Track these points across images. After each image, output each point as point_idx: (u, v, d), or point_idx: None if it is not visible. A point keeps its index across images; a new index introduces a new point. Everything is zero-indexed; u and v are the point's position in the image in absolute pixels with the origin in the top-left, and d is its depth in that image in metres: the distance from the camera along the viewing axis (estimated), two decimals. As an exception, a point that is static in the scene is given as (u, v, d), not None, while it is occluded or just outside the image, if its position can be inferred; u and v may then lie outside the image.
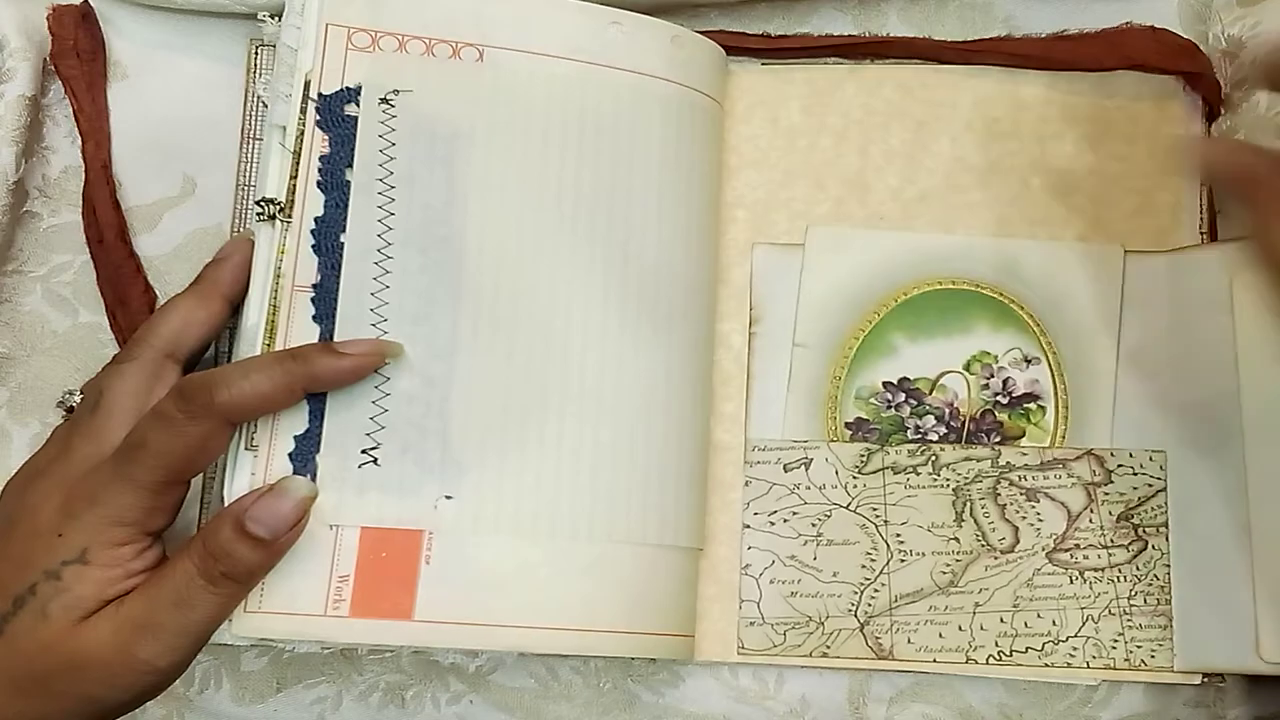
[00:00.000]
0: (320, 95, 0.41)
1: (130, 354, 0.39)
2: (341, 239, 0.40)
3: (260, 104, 0.46)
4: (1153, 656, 0.44)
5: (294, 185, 0.41)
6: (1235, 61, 0.46)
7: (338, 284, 0.40)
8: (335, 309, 0.40)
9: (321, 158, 0.41)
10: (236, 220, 0.46)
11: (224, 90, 0.47)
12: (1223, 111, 0.47)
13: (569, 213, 0.42)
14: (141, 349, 0.39)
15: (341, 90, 0.41)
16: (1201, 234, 0.47)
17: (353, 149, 0.41)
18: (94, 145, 0.46)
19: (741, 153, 0.47)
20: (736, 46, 0.47)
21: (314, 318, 0.40)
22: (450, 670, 0.45)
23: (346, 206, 0.41)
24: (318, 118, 0.41)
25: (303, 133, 0.41)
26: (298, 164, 0.41)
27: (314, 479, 0.39)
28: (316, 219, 0.41)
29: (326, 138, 0.41)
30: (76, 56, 0.46)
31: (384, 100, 0.41)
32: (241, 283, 0.41)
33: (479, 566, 0.40)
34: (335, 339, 0.40)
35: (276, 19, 0.43)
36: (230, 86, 0.47)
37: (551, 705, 0.46)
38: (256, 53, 0.47)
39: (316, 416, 0.40)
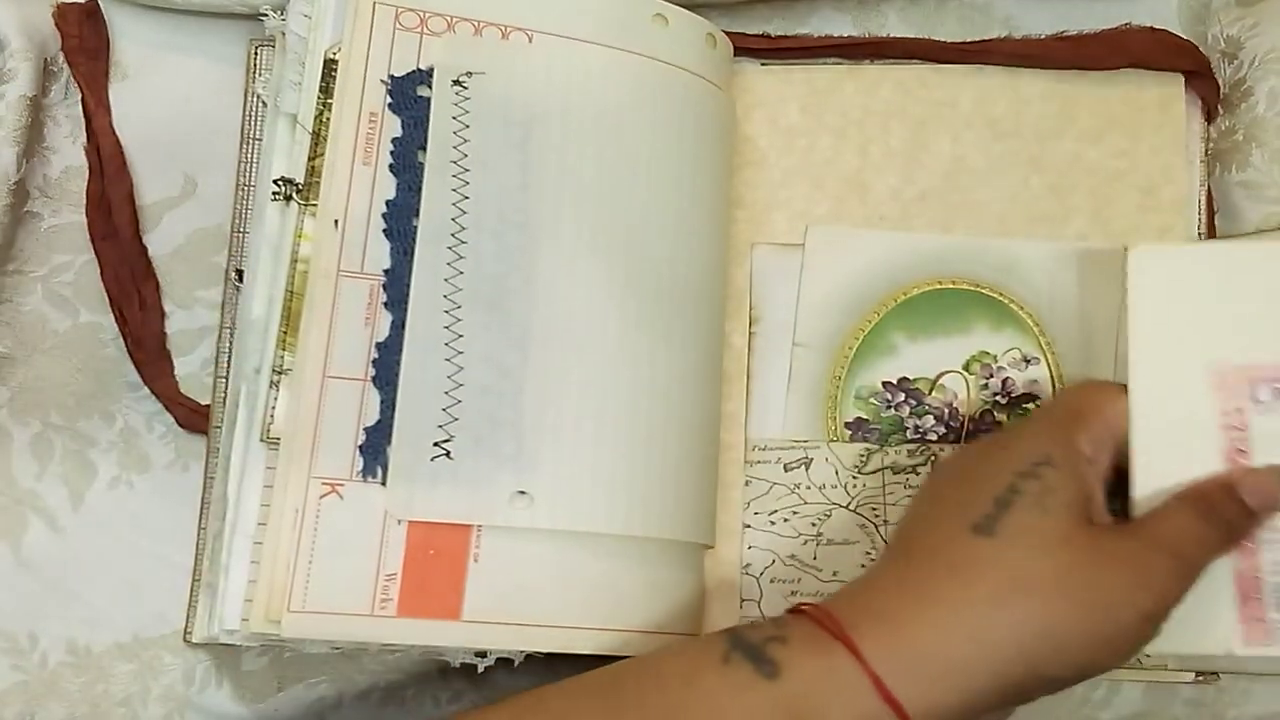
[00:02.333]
0: (391, 77, 0.40)
1: None
2: (414, 223, 0.40)
3: (261, 104, 0.46)
4: (1148, 654, 0.44)
5: (315, 167, 0.40)
6: (1234, 62, 0.47)
7: (410, 269, 0.39)
8: (407, 295, 0.39)
9: (394, 140, 0.40)
10: (237, 220, 0.46)
11: (224, 90, 0.47)
12: (1221, 111, 0.47)
13: (612, 201, 0.42)
14: None
15: (414, 72, 0.40)
16: (1201, 231, 0.47)
17: (426, 131, 0.40)
18: (109, 141, 0.46)
19: (741, 153, 0.47)
20: (736, 47, 0.47)
21: (385, 304, 0.39)
22: (451, 670, 0.45)
23: (419, 190, 0.40)
24: (389, 100, 0.40)
25: (323, 112, 0.40)
26: (318, 145, 0.40)
27: (384, 472, 0.38)
28: (388, 202, 0.40)
29: (399, 120, 0.40)
30: (82, 53, 0.46)
31: (457, 82, 0.41)
32: None
33: (526, 565, 0.39)
34: (406, 327, 0.39)
35: (280, 13, 0.43)
36: (231, 87, 0.47)
37: (552, 705, 0.45)
38: (256, 53, 0.47)
39: (388, 407, 0.39)
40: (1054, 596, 0.33)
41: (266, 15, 0.43)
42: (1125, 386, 0.38)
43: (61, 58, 0.47)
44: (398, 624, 0.38)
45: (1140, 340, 0.38)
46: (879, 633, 0.33)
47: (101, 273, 0.46)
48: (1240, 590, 0.37)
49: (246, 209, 0.46)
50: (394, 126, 0.40)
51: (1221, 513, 0.36)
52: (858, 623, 0.33)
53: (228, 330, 0.45)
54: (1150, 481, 0.37)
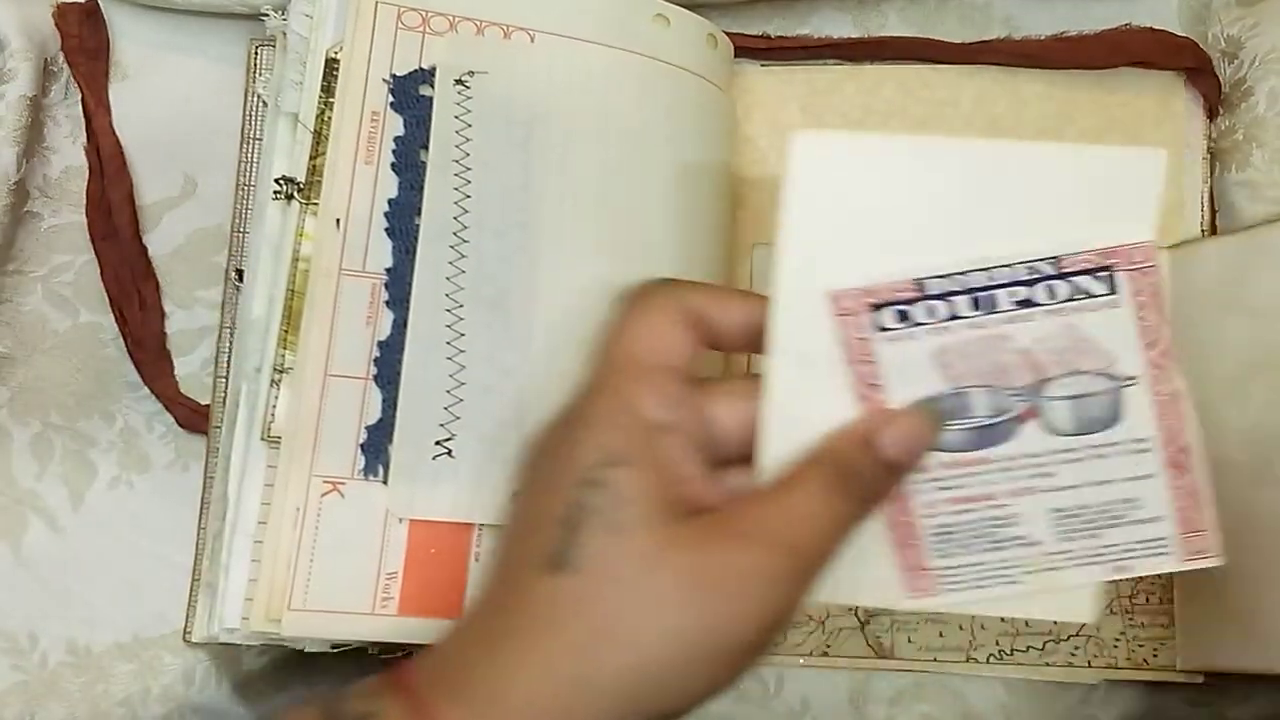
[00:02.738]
0: (394, 76, 0.40)
1: None
2: (416, 221, 0.40)
3: (261, 104, 0.46)
4: (1155, 655, 0.44)
5: (315, 166, 0.40)
6: (1234, 61, 0.47)
7: (412, 268, 0.39)
8: (409, 294, 0.39)
9: (396, 139, 0.40)
10: (237, 220, 0.46)
11: (224, 91, 0.47)
12: (1222, 111, 0.47)
13: (613, 201, 0.42)
14: None
15: (416, 71, 0.40)
16: (1203, 229, 0.47)
17: (428, 130, 0.40)
18: (109, 141, 0.46)
19: (741, 153, 0.47)
20: (736, 47, 0.47)
21: (387, 303, 0.39)
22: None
23: (421, 189, 0.40)
24: (391, 99, 0.40)
25: (324, 111, 0.40)
26: (319, 144, 0.40)
27: (385, 471, 0.38)
28: (390, 201, 0.40)
29: (400, 119, 0.40)
30: (82, 53, 0.46)
31: (459, 82, 0.40)
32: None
33: None
34: (408, 325, 0.39)
35: (280, 13, 0.43)
36: (231, 87, 0.47)
37: (552, 705, 0.45)
38: (257, 53, 0.47)
39: (389, 406, 0.39)
40: (646, 636, 0.29)
41: (267, 15, 0.43)
42: (701, 286, 0.33)
43: (61, 58, 0.47)
44: (399, 623, 0.38)
45: (790, 250, 0.32)
46: (462, 701, 0.29)
47: (101, 273, 0.46)
48: (896, 537, 0.33)
49: (246, 209, 0.46)
50: (396, 125, 0.40)
51: (860, 475, 0.31)
52: (442, 693, 0.29)
53: (228, 330, 0.45)
54: (780, 433, 0.32)
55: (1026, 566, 0.34)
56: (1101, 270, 0.32)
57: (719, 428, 0.32)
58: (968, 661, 0.45)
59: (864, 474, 0.31)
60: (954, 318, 0.32)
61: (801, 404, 0.32)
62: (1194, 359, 0.43)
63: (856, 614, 0.45)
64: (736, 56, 0.47)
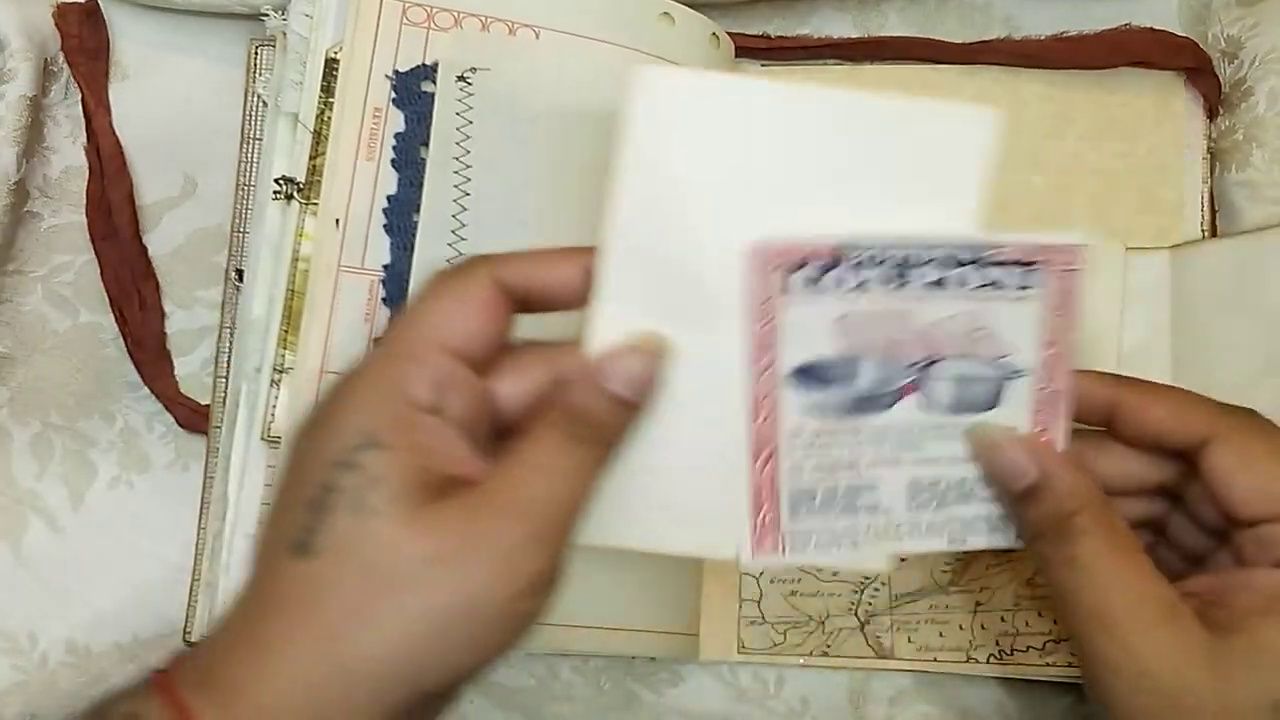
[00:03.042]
0: (396, 72, 0.40)
1: None
2: (415, 219, 0.40)
3: (261, 103, 0.46)
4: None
5: (315, 166, 0.40)
6: (1234, 61, 0.47)
7: (410, 265, 0.39)
8: (406, 291, 0.39)
9: (397, 135, 0.40)
10: (237, 220, 0.46)
11: (224, 91, 0.47)
12: (1222, 111, 0.47)
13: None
14: None
15: (419, 67, 0.40)
16: (1203, 230, 0.47)
17: (429, 127, 0.40)
18: (109, 141, 0.46)
19: (741, 152, 0.47)
20: (737, 47, 0.47)
21: (384, 300, 0.39)
22: (450, 670, 0.45)
23: (421, 185, 0.40)
24: (394, 95, 0.40)
25: (324, 111, 0.40)
26: (319, 144, 0.40)
27: None
28: (389, 197, 0.40)
29: (402, 115, 0.40)
30: (82, 53, 0.46)
31: (461, 78, 0.40)
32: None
33: None
34: None
35: (281, 13, 0.43)
36: (231, 87, 0.47)
37: (552, 705, 0.45)
38: (257, 53, 0.47)
39: None
40: (391, 617, 0.28)
41: (267, 15, 0.43)
42: (517, 255, 0.32)
43: (61, 58, 0.47)
44: None
45: (628, 194, 0.31)
46: (219, 700, 0.28)
47: (101, 273, 0.46)
48: (753, 494, 0.33)
49: (246, 209, 0.46)
50: (397, 122, 0.40)
51: (592, 418, 0.31)
52: (196, 688, 0.28)
53: (228, 330, 0.45)
54: None
55: (870, 534, 0.34)
56: (1027, 265, 0.32)
57: (503, 401, 0.32)
58: (967, 662, 0.45)
59: (597, 416, 0.31)
60: (866, 288, 0.32)
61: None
62: (1199, 361, 0.44)
63: (857, 614, 0.45)
64: (737, 56, 0.47)
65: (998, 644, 0.45)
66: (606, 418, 0.31)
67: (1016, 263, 0.32)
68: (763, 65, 0.48)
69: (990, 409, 0.33)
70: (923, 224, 0.31)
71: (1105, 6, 0.48)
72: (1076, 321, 0.33)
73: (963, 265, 0.32)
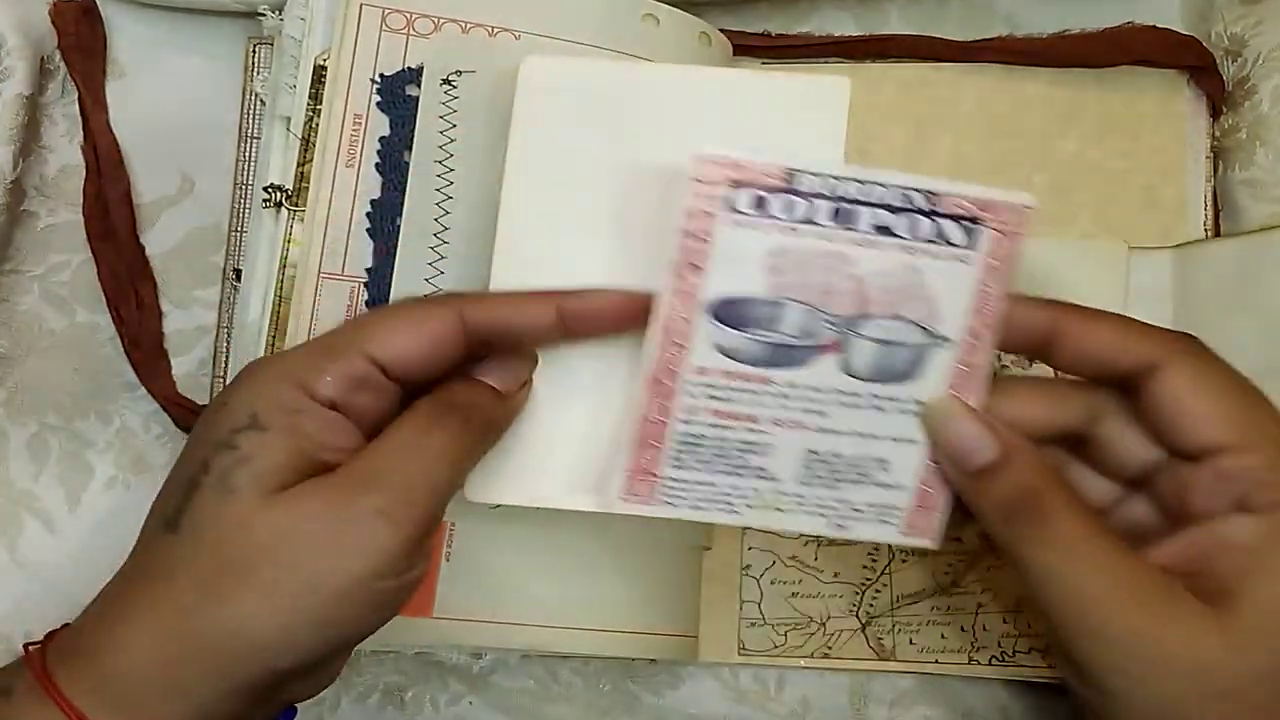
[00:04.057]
0: (381, 76, 0.40)
1: None
2: (398, 222, 0.40)
3: (259, 102, 0.45)
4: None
5: (303, 173, 0.40)
6: (1238, 60, 0.46)
7: (392, 268, 0.39)
8: (388, 294, 0.39)
9: (381, 139, 0.40)
10: (234, 219, 0.46)
11: (222, 89, 0.47)
12: (1225, 109, 0.47)
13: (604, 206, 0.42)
14: None
15: (403, 70, 0.40)
16: (1206, 230, 0.46)
17: (412, 130, 0.40)
18: (106, 140, 0.46)
19: (742, 151, 0.47)
20: (736, 45, 0.47)
21: (367, 303, 0.39)
22: (450, 671, 0.45)
23: (404, 189, 0.40)
24: (378, 99, 0.40)
25: (312, 118, 0.40)
26: (307, 151, 0.40)
27: None
28: (372, 202, 0.40)
29: (387, 119, 0.40)
30: (79, 52, 0.46)
31: (446, 81, 0.40)
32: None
33: (495, 564, 0.39)
34: None
35: (277, 13, 0.42)
36: (228, 86, 0.47)
37: (551, 707, 0.45)
38: (254, 51, 0.46)
39: None
40: (242, 594, 0.28)
41: (264, 14, 0.43)
42: (486, 297, 0.33)
43: (58, 56, 0.47)
44: None
45: (519, 161, 0.35)
46: (80, 666, 0.29)
47: (98, 272, 0.46)
48: (638, 435, 0.32)
49: (244, 208, 0.46)
50: (382, 126, 0.40)
51: (463, 403, 0.31)
52: (61, 659, 0.29)
53: (225, 330, 0.45)
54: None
55: (752, 500, 0.33)
56: (970, 220, 0.31)
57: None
58: (969, 663, 0.45)
59: (467, 400, 0.32)
60: (808, 222, 0.31)
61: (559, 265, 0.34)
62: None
63: (858, 615, 0.45)
64: (737, 54, 0.47)
65: (1000, 646, 0.45)
66: (479, 403, 0.32)
67: (963, 217, 0.31)
68: (763, 63, 0.48)
69: (907, 379, 0.32)
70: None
71: (1108, 5, 0.48)
72: (1008, 291, 0.32)
73: (911, 212, 0.31)
